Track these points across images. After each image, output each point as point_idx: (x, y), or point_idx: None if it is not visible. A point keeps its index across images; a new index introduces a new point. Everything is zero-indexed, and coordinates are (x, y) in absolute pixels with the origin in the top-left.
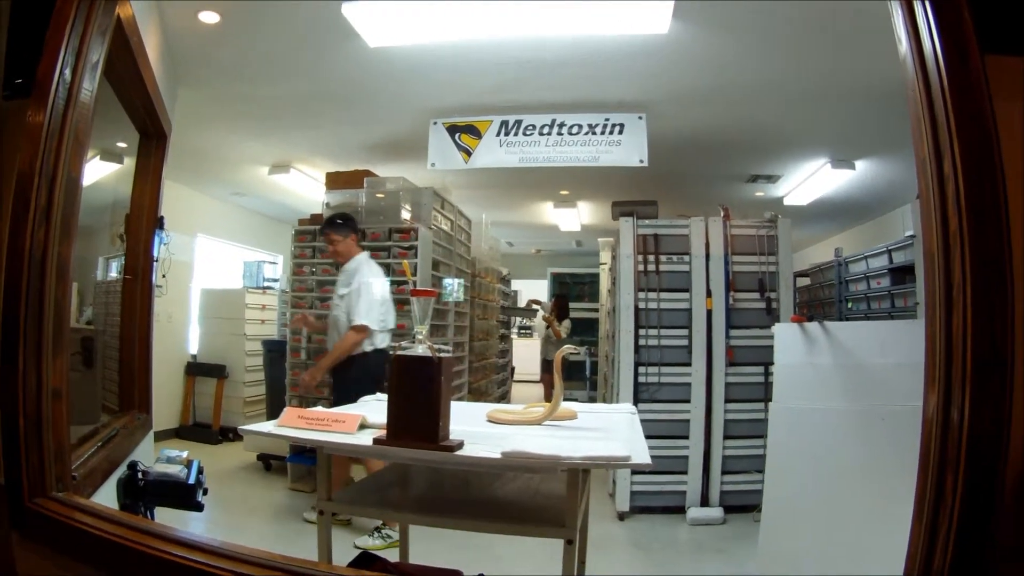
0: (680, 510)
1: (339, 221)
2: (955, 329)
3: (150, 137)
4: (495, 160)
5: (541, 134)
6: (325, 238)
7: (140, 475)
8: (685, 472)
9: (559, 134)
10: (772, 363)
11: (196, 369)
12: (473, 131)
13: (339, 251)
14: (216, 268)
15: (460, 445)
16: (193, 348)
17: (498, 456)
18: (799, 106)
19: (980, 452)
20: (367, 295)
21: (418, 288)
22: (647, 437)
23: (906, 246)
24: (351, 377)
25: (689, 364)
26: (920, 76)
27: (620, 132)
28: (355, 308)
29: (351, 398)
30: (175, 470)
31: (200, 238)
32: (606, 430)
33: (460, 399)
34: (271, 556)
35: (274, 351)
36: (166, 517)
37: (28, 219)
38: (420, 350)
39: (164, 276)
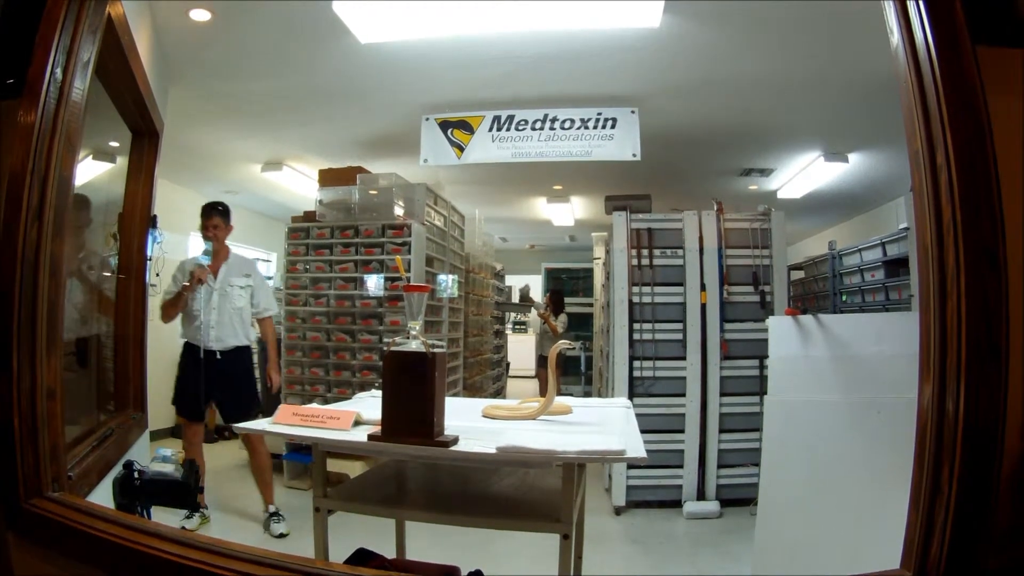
0: (676, 504)
1: (220, 208)
2: (949, 320)
3: (142, 136)
4: (488, 155)
5: (533, 129)
6: (209, 222)
7: (136, 474)
8: (681, 466)
9: (551, 129)
10: (767, 356)
11: None
12: (465, 127)
13: (219, 237)
14: None
15: (455, 440)
16: None
17: (493, 451)
18: (791, 99)
19: (975, 442)
20: (270, 288)
21: (412, 284)
22: (642, 431)
23: (900, 238)
24: (248, 368)
25: (684, 358)
26: (912, 68)
27: (612, 126)
28: (269, 300)
29: (252, 386)
30: (171, 469)
31: (193, 236)
32: (601, 424)
33: (455, 395)
34: (268, 554)
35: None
36: (162, 516)
37: (20, 219)
38: (414, 346)
39: (158, 275)
